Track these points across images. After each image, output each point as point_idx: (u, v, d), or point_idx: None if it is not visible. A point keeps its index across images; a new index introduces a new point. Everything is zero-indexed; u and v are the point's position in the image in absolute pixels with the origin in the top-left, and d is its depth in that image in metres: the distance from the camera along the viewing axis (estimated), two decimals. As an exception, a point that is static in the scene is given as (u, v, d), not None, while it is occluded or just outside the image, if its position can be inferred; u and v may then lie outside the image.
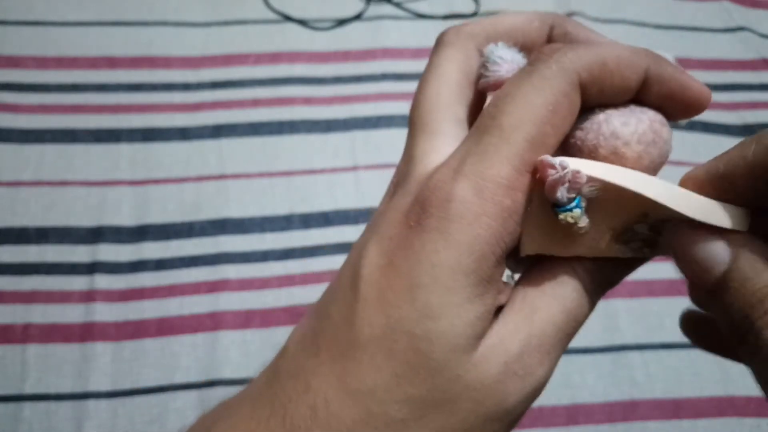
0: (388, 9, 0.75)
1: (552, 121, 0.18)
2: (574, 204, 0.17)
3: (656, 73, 0.19)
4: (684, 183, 0.19)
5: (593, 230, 0.18)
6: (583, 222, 0.18)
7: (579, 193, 0.17)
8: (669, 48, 0.68)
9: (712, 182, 0.18)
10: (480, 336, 0.17)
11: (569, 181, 0.17)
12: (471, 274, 0.17)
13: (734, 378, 0.52)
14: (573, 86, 0.18)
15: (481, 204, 0.17)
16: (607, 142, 0.18)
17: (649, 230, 0.18)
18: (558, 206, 0.17)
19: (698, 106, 0.19)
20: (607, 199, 0.18)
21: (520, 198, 0.18)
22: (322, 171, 0.63)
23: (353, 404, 0.17)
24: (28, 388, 0.50)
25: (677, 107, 0.19)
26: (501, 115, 0.18)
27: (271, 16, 0.73)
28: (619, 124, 0.18)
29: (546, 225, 0.18)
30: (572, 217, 0.17)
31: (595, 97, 0.19)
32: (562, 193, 0.17)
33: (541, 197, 0.18)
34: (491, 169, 0.17)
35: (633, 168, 0.18)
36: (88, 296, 0.54)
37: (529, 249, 0.19)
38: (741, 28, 0.78)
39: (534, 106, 0.17)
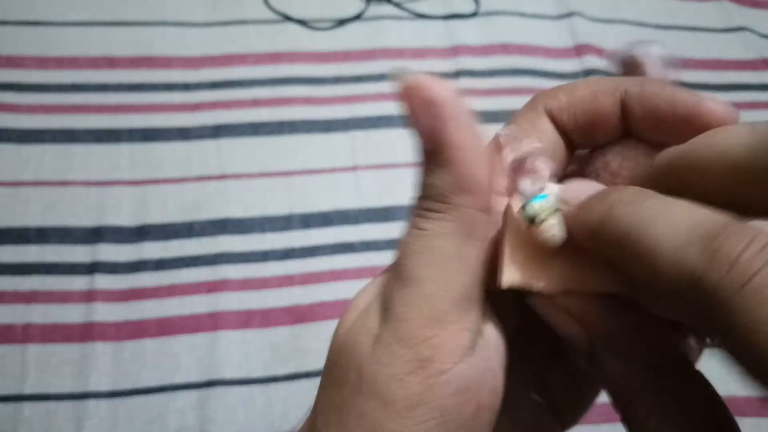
0: (388, 9, 0.75)
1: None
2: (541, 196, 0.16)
3: (634, 92, 0.17)
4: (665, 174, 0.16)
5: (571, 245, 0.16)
6: (554, 225, 0.16)
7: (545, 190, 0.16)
8: (669, 48, 0.68)
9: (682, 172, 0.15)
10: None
11: (532, 170, 0.17)
12: None
13: (734, 378, 0.52)
14: (535, 111, 0.19)
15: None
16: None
17: None
18: (531, 219, 0.16)
19: (706, 123, 0.16)
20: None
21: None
22: (322, 171, 0.63)
23: None
24: (28, 388, 0.50)
25: (674, 128, 0.16)
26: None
27: (271, 16, 0.73)
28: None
29: (523, 248, 0.17)
30: (540, 208, 0.16)
31: (571, 125, 0.18)
32: (526, 185, 0.17)
33: (514, 220, 0.17)
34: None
35: None
36: (88, 296, 0.54)
37: (507, 279, 0.16)
38: (741, 28, 0.78)
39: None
